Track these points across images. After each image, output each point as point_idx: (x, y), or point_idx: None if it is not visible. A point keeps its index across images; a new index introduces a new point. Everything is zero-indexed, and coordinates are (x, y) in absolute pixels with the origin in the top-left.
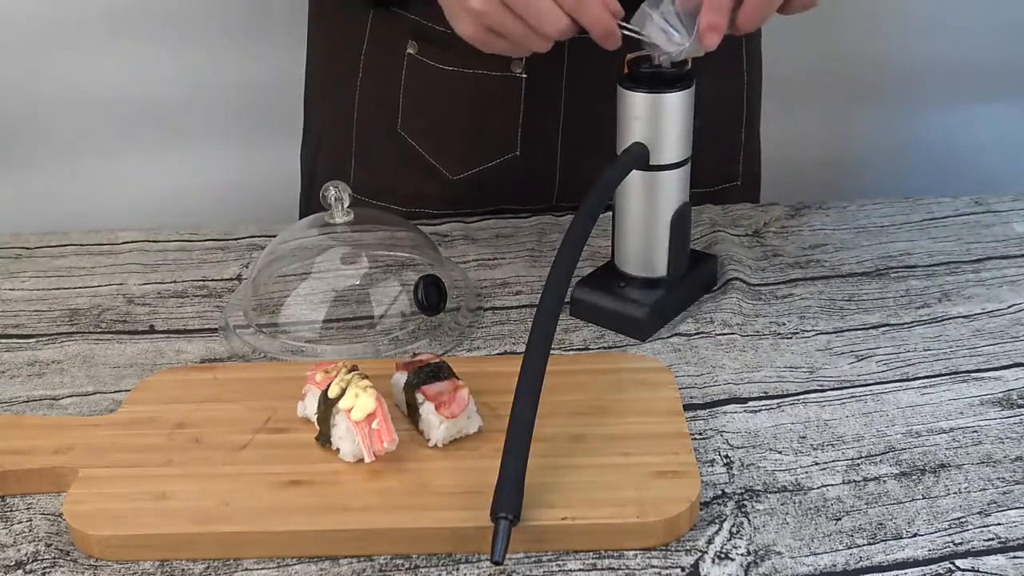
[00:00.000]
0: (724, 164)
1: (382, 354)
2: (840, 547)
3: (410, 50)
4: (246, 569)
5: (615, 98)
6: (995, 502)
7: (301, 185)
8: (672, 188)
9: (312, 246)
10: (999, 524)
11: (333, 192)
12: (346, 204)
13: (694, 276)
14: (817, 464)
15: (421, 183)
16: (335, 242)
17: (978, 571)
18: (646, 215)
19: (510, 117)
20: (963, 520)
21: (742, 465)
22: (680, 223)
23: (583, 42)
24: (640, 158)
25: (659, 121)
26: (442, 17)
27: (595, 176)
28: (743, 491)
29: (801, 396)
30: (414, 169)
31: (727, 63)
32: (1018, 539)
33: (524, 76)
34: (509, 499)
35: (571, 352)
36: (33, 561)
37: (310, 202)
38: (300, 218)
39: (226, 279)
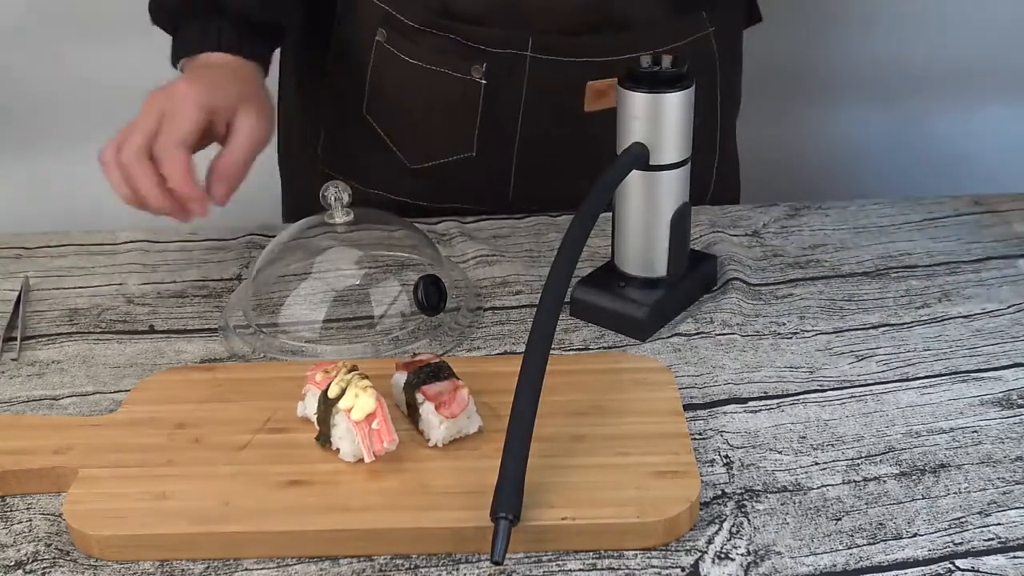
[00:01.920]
0: (695, 182)
1: (382, 354)
2: (840, 547)
3: (379, 37)
4: (246, 569)
5: (571, 122)
6: (995, 502)
7: (280, 170)
8: (672, 188)
9: (312, 246)
10: (999, 524)
11: (333, 192)
12: (346, 203)
13: (694, 276)
14: (817, 464)
15: (384, 167)
16: (335, 242)
17: (978, 571)
18: (646, 215)
19: (469, 119)
20: (963, 520)
21: (742, 465)
22: (680, 223)
23: (543, 62)
24: (640, 158)
25: (659, 121)
26: (409, 10)
27: (592, 178)
28: (743, 491)
29: (801, 396)
30: (379, 153)
31: (700, 85)
32: (1018, 539)
33: (484, 83)
34: (509, 499)
35: (571, 352)
36: (33, 561)
37: (291, 188)
38: (283, 203)
39: (226, 279)
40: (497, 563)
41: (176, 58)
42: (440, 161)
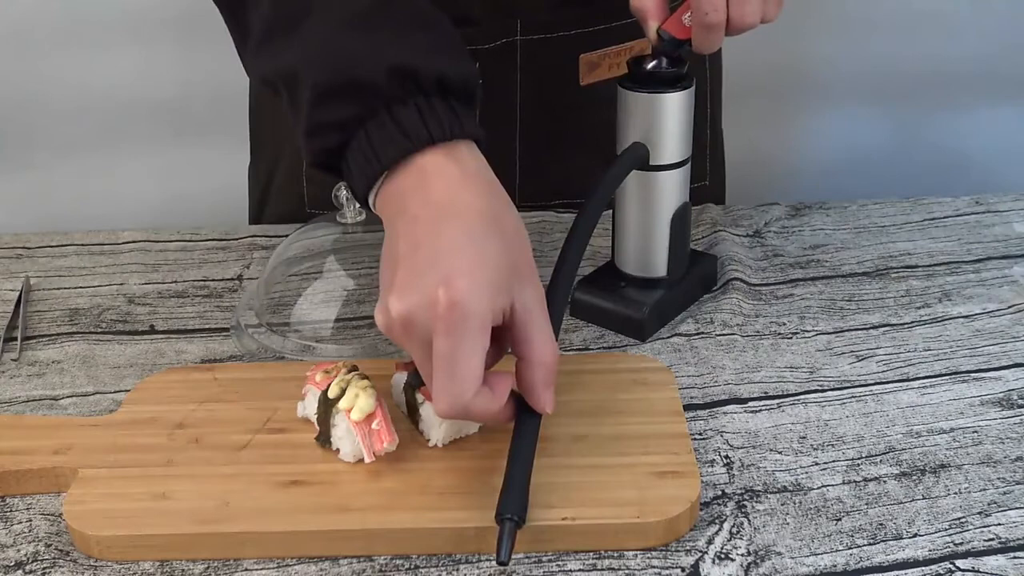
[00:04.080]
0: (692, 163)
1: (396, 353)
2: (840, 547)
3: None
4: (246, 569)
5: (569, 102)
6: (995, 502)
7: (250, 199)
8: (672, 188)
9: (324, 245)
10: (999, 524)
11: (345, 192)
12: (358, 204)
13: (694, 276)
14: (817, 464)
15: None
16: (347, 242)
17: (978, 571)
18: (646, 215)
19: None
20: (963, 520)
21: (742, 465)
22: (680, 223)
23: (535, 43)
24: (641, 158)
25: (658, 121)
26: None
27: (594, 175)
28: (743, 491)
29: (801, 396)
30: None
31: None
32: (1018, 539)
33: (479, 82)
34: (515, 501)
35: (571, 352)
36: (33, 561)
37: (262, 216)
38: (251, 203)
39: (227, 279)
40: (503, 564)
41: (367, 185)
42: None
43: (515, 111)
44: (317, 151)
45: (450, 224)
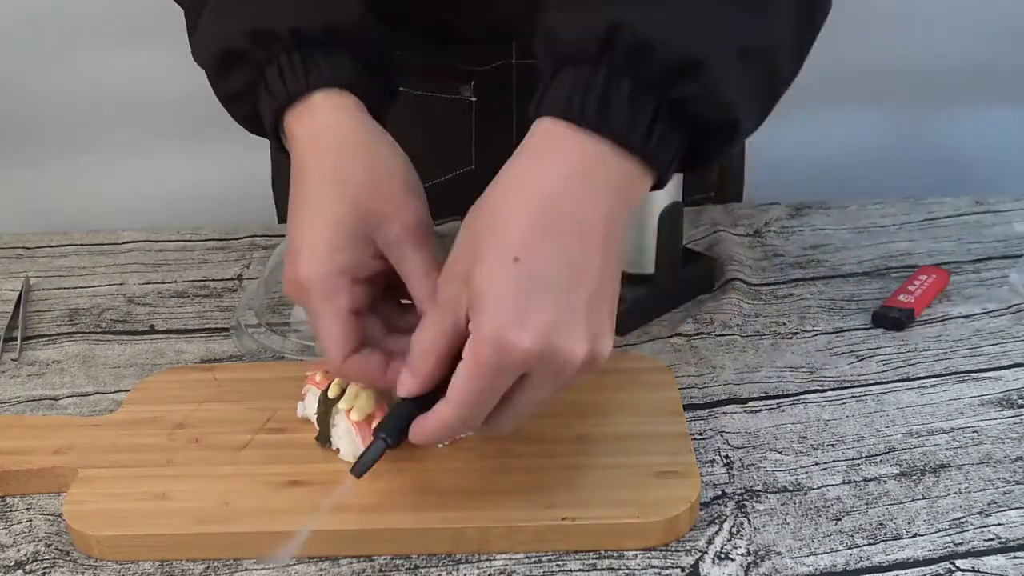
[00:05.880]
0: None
1: None
2: (840, 547)
3: None
4: (246, 569)
5: None
6: (995, 502)
7: (275, 193)
8: None
9: None
10: (999, 524)
11: None
12: None
13: (687, 276)
14: (817, 464)
15: None
16: None
17: (978, 571)
18: (635, 212)
19: (463, 136)
20: (963, 520)
21: (742, 465)
22: (669, 222)
23: (530, 66)
24: None
25: None
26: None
27: None
28: (743, 491)
29: (801, 396)
30: None
31: None
32: (1018, 539)
33: (474, 100)
34: (397, 424)
35: None
36: (33, 561)
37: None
38: (276, 203)
39: (227, 279)
40: (357, 477)
41: (274, 115)
42: (440, 179)
43: (510, 134)
44: (241, 121)
45: (297, 194)
